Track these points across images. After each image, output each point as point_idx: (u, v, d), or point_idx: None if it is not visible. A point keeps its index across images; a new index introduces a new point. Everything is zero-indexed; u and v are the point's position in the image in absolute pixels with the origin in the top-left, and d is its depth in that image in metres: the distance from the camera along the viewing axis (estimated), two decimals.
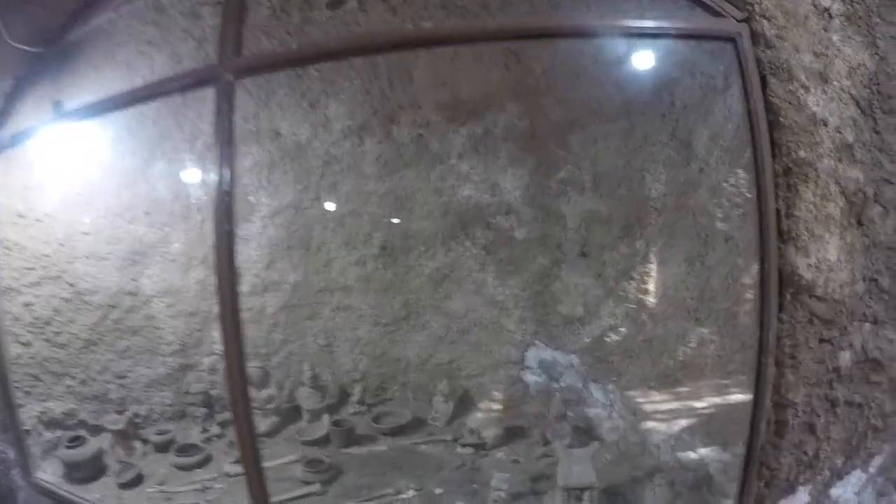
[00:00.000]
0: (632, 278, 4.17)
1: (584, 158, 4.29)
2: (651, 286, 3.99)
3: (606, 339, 4.36)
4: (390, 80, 4.43)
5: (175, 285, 4.85)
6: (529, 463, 4.02)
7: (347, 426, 4.49)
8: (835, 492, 2.28)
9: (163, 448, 4.26)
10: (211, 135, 4.55)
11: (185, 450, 4.13)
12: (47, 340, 4.13)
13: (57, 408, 4.14)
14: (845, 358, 2.15)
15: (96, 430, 4.26)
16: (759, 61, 2.15)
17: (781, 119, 2.10)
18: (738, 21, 2.16)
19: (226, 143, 2.20)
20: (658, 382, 3.76)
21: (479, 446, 4.25)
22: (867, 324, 2.17)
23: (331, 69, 4.31)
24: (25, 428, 3.71)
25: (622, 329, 4.23)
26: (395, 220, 5.13)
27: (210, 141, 4.55)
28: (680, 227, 3.54)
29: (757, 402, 2.17)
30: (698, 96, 3.15)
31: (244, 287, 4.88)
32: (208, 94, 4.52)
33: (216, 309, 4.87)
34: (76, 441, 3.87)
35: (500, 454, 4.20)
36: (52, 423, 4.09)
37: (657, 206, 3.79)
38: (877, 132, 2.17)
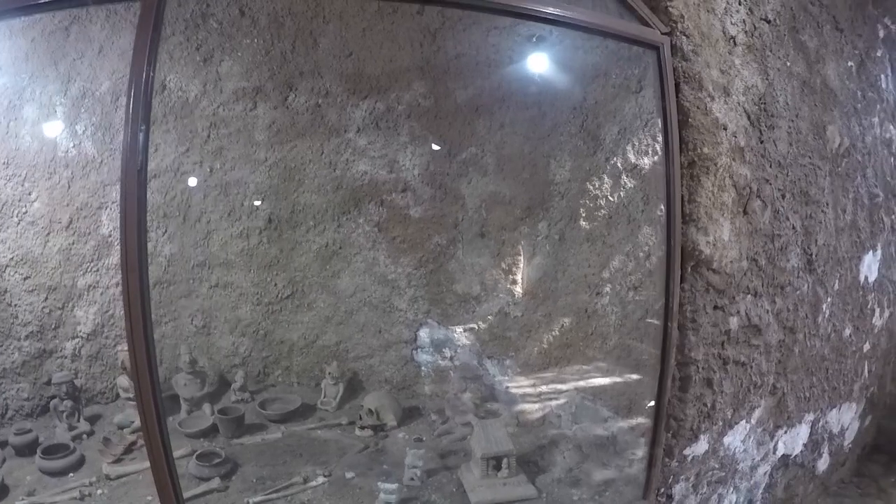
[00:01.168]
0: (532, 257, 4.77)
1: (489, 142, 4.77)
2: (551, 265, 4.61)
3: (504, 315, 4.93)
4: (293, 44, 4.57)
5: (33, 253, 4.56)
6: (433, 440, 4.39)
7: (236, 414, 4.52)
8: (727, 440, 3.04)
9: (25, 451, 4.00)
10: (89, 78, 4.40)
11: (53, 451, 3.89)
12: None
13: None
14: (734, 323, 2.87)
15: None
16: (675, 70, 2.78)
17: (690, 120, 2.74)
18: (662, 33, 2.77)
19: (149, 69, 2.16)
20: (555, 356, 4.40)
21: (378, 428, 4.55)
22: (749, 295, 2.92)
23: (232, 23, 4.35)
24: None
25: (520, 305, 4.82)
26: (283, 193, 5.24)
27: (87, 86, 4.40)
28: (584, 211, 4.18)
29: (664, 361, 2.82)
30: (610, 94, 3.77)
31: (113, 258, 4.71)
32: (93, 32, 4.33)
33: (81, 282, 4.70)
34: None
35: (401, 434, 4.53)
36: None
37: (561, 190, 4.40)
38: (761, 142, 2.92)
